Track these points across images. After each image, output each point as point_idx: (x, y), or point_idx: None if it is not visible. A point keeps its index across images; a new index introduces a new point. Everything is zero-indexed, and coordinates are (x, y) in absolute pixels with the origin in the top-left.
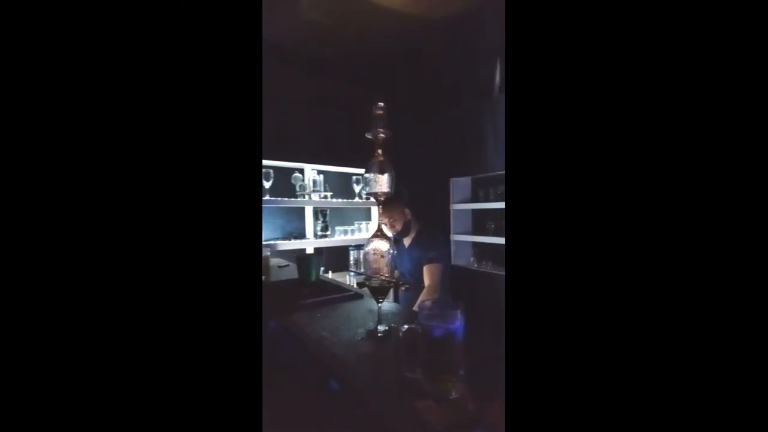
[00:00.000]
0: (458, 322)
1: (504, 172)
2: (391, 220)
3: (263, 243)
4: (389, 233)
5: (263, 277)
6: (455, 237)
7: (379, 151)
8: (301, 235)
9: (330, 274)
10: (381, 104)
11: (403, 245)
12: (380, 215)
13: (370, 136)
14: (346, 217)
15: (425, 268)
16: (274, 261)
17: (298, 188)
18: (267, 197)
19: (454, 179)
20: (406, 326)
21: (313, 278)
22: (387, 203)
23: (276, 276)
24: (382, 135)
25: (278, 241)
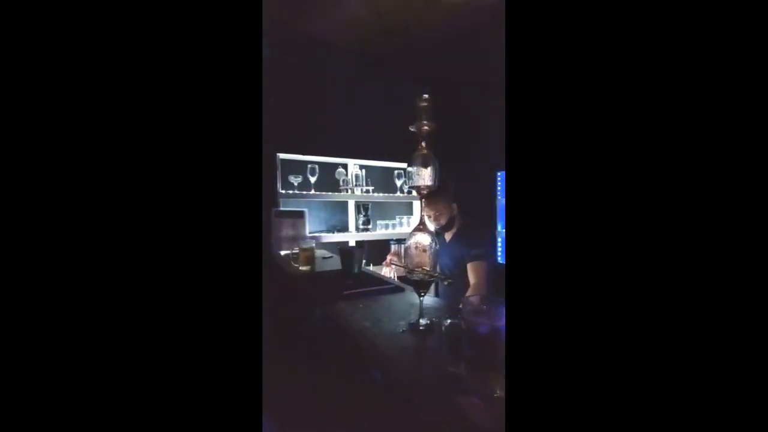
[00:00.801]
0: (503, 319)
1: None
2: (436, 213)
3: (309, 234)
4: (432, 226)
5: (309, 267)
6: (502, 232)
7: (423, 144)
8: (344, 229)
9: (371, 267)
10: (425, 96)
11: (444, 239)
12: (425, 207)
13: (414, 129)
14: (387, 211)
15: (469, 266)
16: (319, 252)
17: (341, 183)
18: (312, 191)
19: (502, 172)
20: (449, 321)
21: (356, 270)
22: (432, 196)
23: (320, 267)
24: (426, 127)
25: (322, 234)
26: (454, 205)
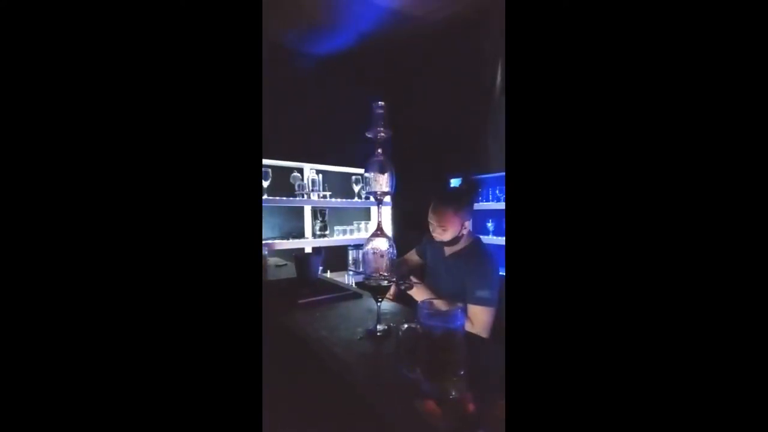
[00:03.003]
0: (459, 321)
1: (503, 173)
2: (442, 226)
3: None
4: (437, 237)
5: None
6: None
7: (379, 150)
8: (300, 235)
9: (329, 274)
10: (381, 103)
11: (442, 253)
12: (430, 214)
13: (370, 135)
14: (345, 216)
15: (473, 309)
16: (272, 260)
17: (296, 188)
18: (265, 196)
19: (454, 179)
20: (405, 325)
21: (312, 278)
22: (442, 206)
23: (274, 275)
24: (382, 134)
25: (276, 241)
26: (467, 224)
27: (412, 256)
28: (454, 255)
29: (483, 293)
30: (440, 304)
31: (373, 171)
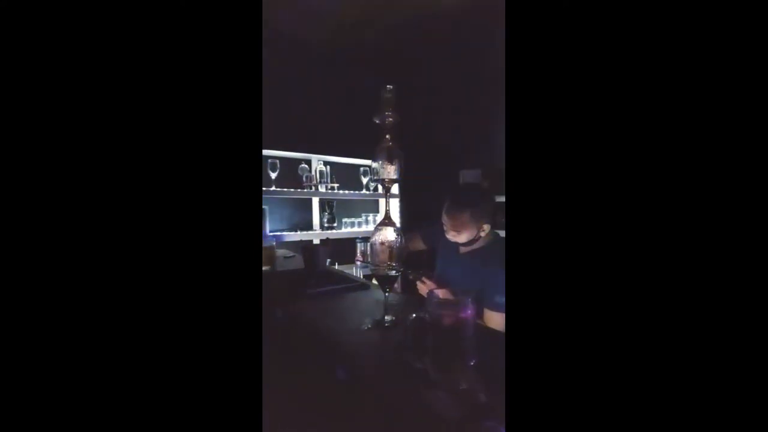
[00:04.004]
0: (469, 310)
1: None
2: (456, 228)
3: (270, 233)
4: (451, 239)
5: (269, 267)
6: None
7: (388, 137)
8: (308, 227)
9: (336, 266)
10: (389, 87)
11: (456, 247)
12: (443, 216)
13: (378, 121)
14: (353, 208)
15: (491, 315)
16: (281, 251)
17: (304, 179)
18: (273, 188)
19: (464, 171)
20: (414, 314)
21: (320, 269)
22: (456, 208)
23: (282, 266)
24: (390, 119)
25: (284, 232)
26: (486, 226)
27: (416, 241)
28: (470, 253)
29: (503, 299)
30: (450, 294)
31: (382, 159)
